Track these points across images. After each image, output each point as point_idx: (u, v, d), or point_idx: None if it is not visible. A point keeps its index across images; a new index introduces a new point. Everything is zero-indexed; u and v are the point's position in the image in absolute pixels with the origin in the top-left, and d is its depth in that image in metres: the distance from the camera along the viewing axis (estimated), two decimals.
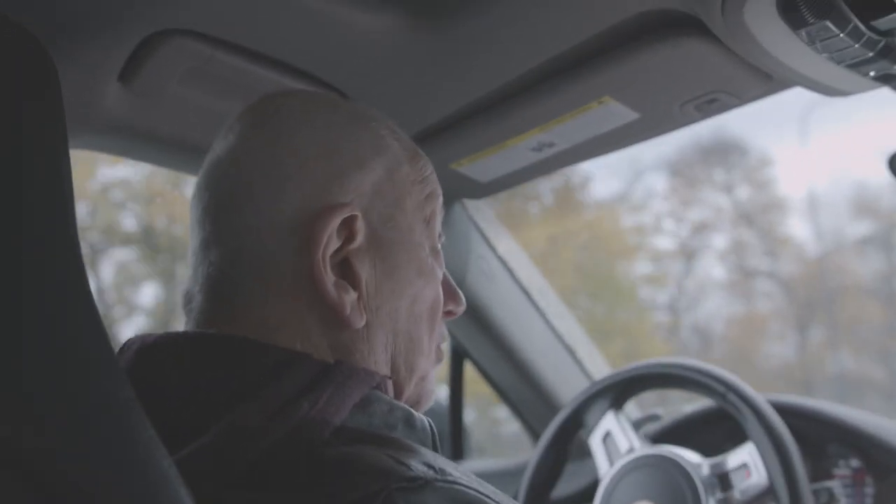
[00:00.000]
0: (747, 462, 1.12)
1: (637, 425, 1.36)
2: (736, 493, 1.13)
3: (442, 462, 0.60)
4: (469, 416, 1.87)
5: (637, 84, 1.02)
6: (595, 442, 1.33)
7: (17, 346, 0.50)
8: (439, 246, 0.80)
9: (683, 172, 7.75)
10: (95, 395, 0.52)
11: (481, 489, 0.60)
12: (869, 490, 1.38)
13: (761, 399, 1.17)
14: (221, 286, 0.71)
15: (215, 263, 0.71)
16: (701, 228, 8.09)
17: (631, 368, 1.34)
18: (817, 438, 1.13)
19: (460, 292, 0.83)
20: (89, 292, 0.54)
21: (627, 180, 8.45)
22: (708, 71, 0.97)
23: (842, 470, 1.42)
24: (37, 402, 0.50)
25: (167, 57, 0.97)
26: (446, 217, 1.47)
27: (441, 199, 0.80)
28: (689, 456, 1.20)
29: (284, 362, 0.64)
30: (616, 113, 1.08)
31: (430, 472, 0.58)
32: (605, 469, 1.28)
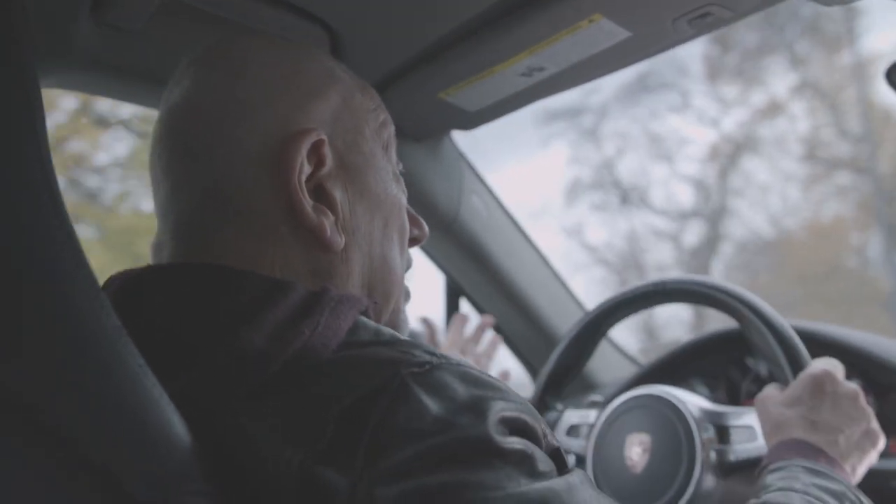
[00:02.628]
0: (753, 426, 1.11)
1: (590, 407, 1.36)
2: (731, 451, 1.12)
3: (441, 351, 0.63)
4: None
5: (628, 0, 0.99)
6: (561, 440, 1.32)
7: None
8: (399, 172, 0.83)
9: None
10: (79, 324, 0.52)
11: (485, 372, 0.63)
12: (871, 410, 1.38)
13: (771, 309, 1.16)
14: (194, 226, 0.72)
15: (186, 207, 0.72)
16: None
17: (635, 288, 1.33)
18: (816, 358, 1.13)
19: (421, 219, 0.86)
20: (70, 225, 0.53)
21: None
22: None
23: None
24: (19, 333, 0.50)
25: None
26: (436, 150, 1.45)
27: (393, 128, 0.83)
28: (678, 393, 1.20)
29: (273, 289, 0.65)
30: (607, 32, 1.05)
31: (435, 358, 0.61)
32: (582, 447, 1.27)
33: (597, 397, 1.45)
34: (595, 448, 1.23)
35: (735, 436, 1.13)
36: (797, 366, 1.09)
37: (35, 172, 0.52)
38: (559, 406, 1.37)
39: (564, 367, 1.37)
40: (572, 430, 1.32)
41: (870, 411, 1.01)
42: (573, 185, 8.14)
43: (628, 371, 1.76)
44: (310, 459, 0.55)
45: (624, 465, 1.18)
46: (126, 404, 0.53)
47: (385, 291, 0.78)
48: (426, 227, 0.87)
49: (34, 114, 0.53)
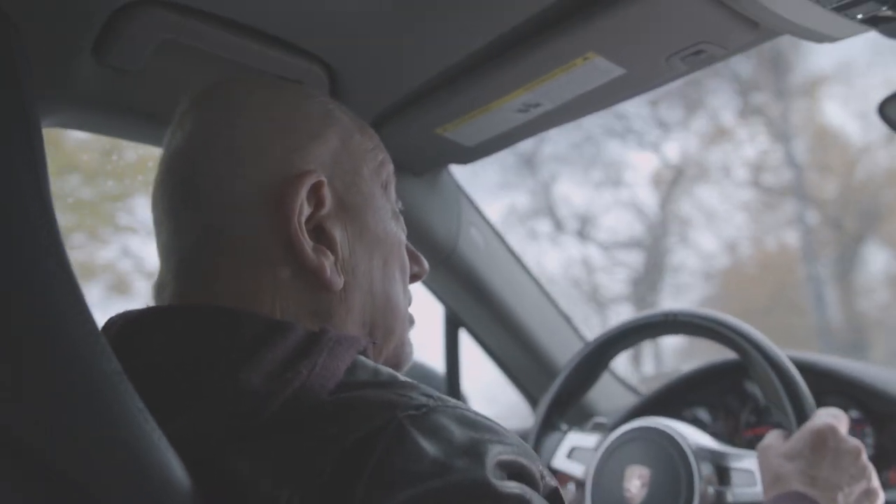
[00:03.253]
0: (754, 471, 1.11)
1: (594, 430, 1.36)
2: (730, 493, 1.12)
3: (437, 393, 0.64)
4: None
5: (622, 38, 1.00)
6: (561, 462, 1.32)
7: None
8: (398, 210, 0.84)
9: None
10: (81, 370, 0.52)
11: (481, 414, 0.63)
12: (868, 440, 1.38)
13: (774, 347, 1.16)
14: (196, 267, 0.73)
15: (188, 248, 0.73)
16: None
17: (632, 320, 1.33)
18: (815, 390, 1.13)
19: (421, 255, 0.87)
20: (69, 267, 0.54)
21: None
22: (693, 22, 0.96)
23: None
24: (21, 379, 0.50)
25: (141, 28, 0.95)
26: (434, 184, 1.46)
27: (392, 167, 0.84)
28: (679, 428, 1.20)
29: (272, 330, 0.66)
30: (602, 69, 1.06)
31: (431, 400, 0.62)
32: (582, 471, 1.27)
33: (601, 419, 1.45)
34: (595, 477, 1.23)
35: (735, 478, 1.13)
36: (801, 414, 1.09)
37: (35, 213, 0.52)
38: (564, 426, 1.37)
39: (569, 390, 1.37)
40: (573, 453, 1.32)
41: (871, 469, 1.01)
42: (508, 213, 8.02)
43: (628, 400, 1.76)
44: (306, 501, 0.55)
45: (622, 496, 1.18)
46: (125, 448, 0.53)
47: (387, 327, 0.79)
48: (426, 264, 0.88)
49: (35, 153, 0.53)
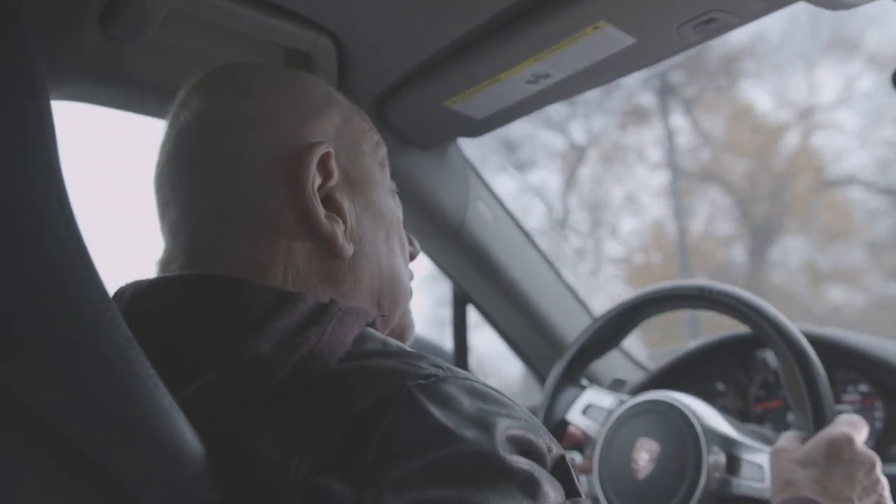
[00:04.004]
0: (764, 466, 1.11)
1: (612, 388, 1.36)
2: (737, 484, 1.12)
3: (447, 363, 0.64)
4: None
5: (632, 6, 0.99)
6: (576, 417, 1.32)
7: (3, 290, 0.49)
8: (394, 189, 0.86)
9: None
10: (91, 336, 0.52)
11: (490, 385, 0.63)
12: (879, 414, 1.38)
13: (804, 341, 1.14)
14: (208, 239, 0.74)
15: (199, 221, 0.74)
16: None
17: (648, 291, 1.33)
18: (825, 364, 1.12)
19: (412, 237, 0.89)
20: (80, 235, 0.54)
21: None
22: None
23: (850, 395, 1.42)
24: (31, 345, 0.50)
25: None
26: (443, 157, 1.45)
27: (385, 149, 0.87)
28: (693, 405, 1.19)
29: (283, 300, 0.66)
30: (612, 38, 1.05)
31: (441, 371, 0.62)
32: (594, 429, 1.27)
33: (621, 377, 1.43)
34: (605, 442, 1.23)
35: (744, 470, 1.12)
36: (821, 418, 1.08)
37: (46, 185, 0.52)
38: (584, 381, 1.37)
39: (595, 344, 1.37)
40: (588, 410, 1.31)
41: (884, 482, 1.01)
42: None
43: (636, 375, 1.76)
44: (315, 469, 0.55)
45: (629, 467, 1.18)
46: (137, 414, 0.53)
47: (393, 298, 0.81)
48: (418, 245, 0.90)
49: (45, 126, 0.53)
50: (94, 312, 0.53)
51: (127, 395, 0.53)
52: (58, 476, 0.50)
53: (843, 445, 1.00)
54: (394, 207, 0.84)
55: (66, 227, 0.53)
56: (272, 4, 1.02)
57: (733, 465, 1.13)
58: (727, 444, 1.14)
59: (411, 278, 0.87)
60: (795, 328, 1.15)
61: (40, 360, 0.50)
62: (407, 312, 0.85)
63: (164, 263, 0.76)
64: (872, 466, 1.00)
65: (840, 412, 1.09)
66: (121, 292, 0.72)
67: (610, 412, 1.26)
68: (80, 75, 1.03)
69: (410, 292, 0.86)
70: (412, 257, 0.89)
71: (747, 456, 1.13)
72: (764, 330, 1.17)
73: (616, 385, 1.36)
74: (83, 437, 0.51)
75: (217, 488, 0.56)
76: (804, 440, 1.06)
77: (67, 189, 0.54)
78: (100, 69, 1.04)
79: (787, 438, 1.08)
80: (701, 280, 1.29)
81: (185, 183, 0.76)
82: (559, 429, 1.33)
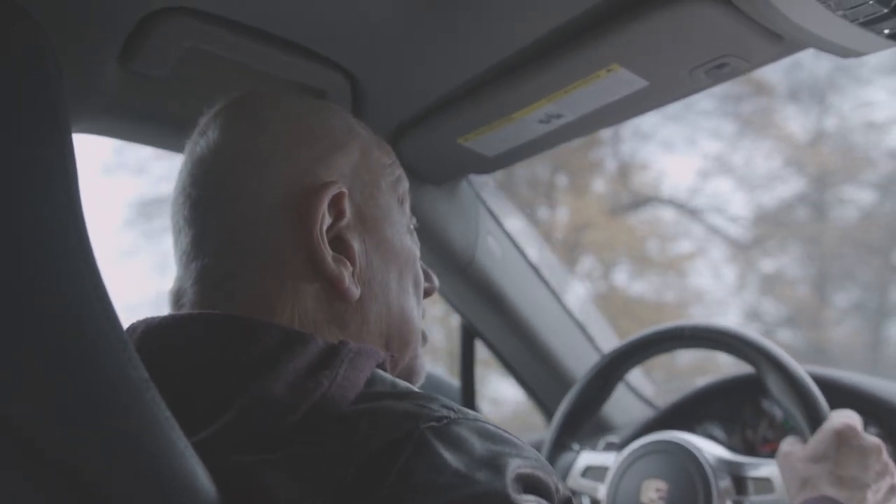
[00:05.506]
0: (771, 478, 1.11)
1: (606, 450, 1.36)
2: (748, 502, 1.12)
3: (457, 405, 0.64)
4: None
5: (645, 50, 1.00)
6: (576, 481, 1.32)
7: (23, 329, 0.50)
8: (413, 227, 0.85)
9: None
10: (108, 377, 0.52)
11: (500, 426, 0.64)
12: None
13: (788, 357, 1.16)
14: (216, 275, 0.73)
15: (209, 256, 0.74)
16: None
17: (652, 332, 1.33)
18: (831, 406, 1.12)
19: (431, 272, 0.89)
20: (98, 272, 0.54)
21: None
22: (717, 34, 0.95)
23: None
24: (47, 385, 0.50)
25: (167, 36, 0.96)
26: (454, 193, 1.46)
27: (407, 184, 0.86)
28: (695, 441, 1.20)
29: (293, 340, 0.66)
30: (625, 81, 1.06)
31: (452, 412, 0.62)
32: (598, 490, 1.27)
33: (613, 439, 1.44)
34: (610, 492, 1.23)
35: (753, 487, 1.12)
36: (816, 418, 1.09)
37: (65, 219, 0.53)
38: (575, 447, 1.37)
39: (580, 408, 1.37)
40: (588, 472, 1.31)
41: (893, 465, 1.01)
42: None
43: (643, 413, 1.76)
44: None
45: None
46: (152, 457, 0.53)
47: (403, 339, 0.80)
48: (436, 280, 0.89)
49: (66, 159, 0.53)
50: (112, 353, 0.53)
51: (143, 438, 0.53)
52: None
53: (848, 435, 1.01)
54: (410, 245, 0.83)
55: (85, 265, 0.53)
56: (288, 42, 1.03)
57: (741, 485, 1.14)
58: (732, 469, 1.15)
59: (423, 316, 0.86)
60: (777, 346, 1.17)
61: (58, 403, 0.50)
62: (417, 356, 0.84)
63: (175, 294, 0.76)
64: (881, 451, 1.01)
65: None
66: (131, 329, 0.72)
67: (611, 468, 1.26)
68: (99, 109, 1.05)
69: (423, 336, 0.85)
70: (428, 293, 0.88)
71: (753, 473, 1.14)
72: (747, 355, 1.19)
73: (609, 447, 1.36)
74: (96, 477, 0.51)
75: None
76: (805, 442, 1.07)
77: (87, 225, 0.54)
78: (119, 103, 1.05)
79: (789, 443, 1.09)
80: (676, 322, 1.30)
81: (196, 215, 0.76)
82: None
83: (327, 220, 0.74)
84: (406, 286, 0.81)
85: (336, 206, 0.75)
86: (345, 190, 0.75)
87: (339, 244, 0.75)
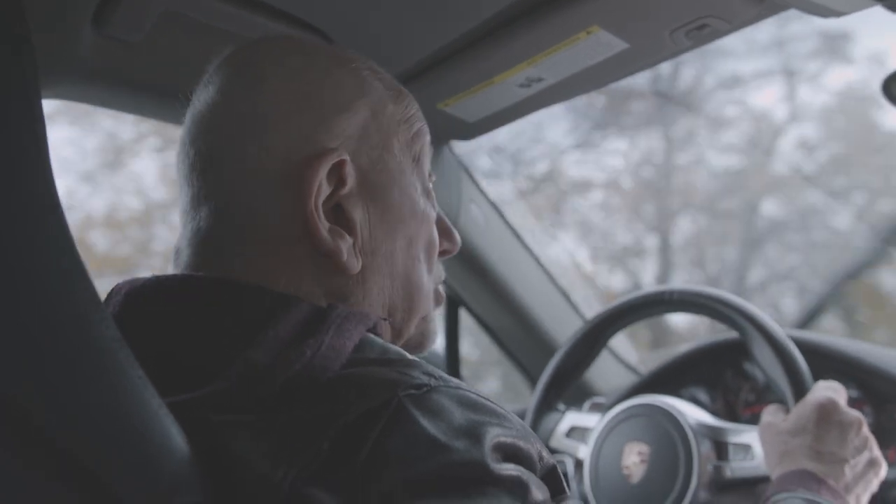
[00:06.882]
0: (752, 445, 1.12)
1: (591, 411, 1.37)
2: (728, 468, 1.13)
3: (440, 372, 0.63)
4: None
5: (625, 12, 0.99)
6: (560, 441, 1.33)
7: None
8: (430, 185, 0.80)
9: None
10: (79, 335, 0.52)
11: (482, 394, 0.62)
12: (868, 419, 1.38)
13: (773, 324, 1.17)
14: (210, 238, 0.71)
15: (205, 217, 0.71)
16: None
17: (634, 297, 1.34)
18: (815, 369, 1.13)
19: (454, 230, 0.84)
20: (69, 232, 0.54)
21: None
22: None
23: None
24: (13, 344, 0.50)
25: None
26: (435, 160, 1.45)
27: (428, 137, 0.81)
28: (678, 405, 1.21)
29: (277, 304, 0.64)
30: (605, 43, 1.06)
31: (433, 380, 0.61)
32: (581, 450, 1.28)
33: (599, 399, 1.45)
34: (593, 454, 1.23)
35: (733, 453, 1.14)
36: (800, 387, 1.10)
37: (36, 183, 0.52)
38: (561, 407, 1.38)
39: (566, 370, 1.38)
40: (572, 432, 1.33)
41: (872, 439, 1.02)
42: None
43: (627, 380, 1.77)
44: (302, 478, 0.54)
45: (621, 473, 1.18)
46: (124, 414, 0.52)
47: (409, 308, 0.77)
48: (458, 239, 0.85)
49: (37, 125, 0.53)
50: (83, 311, 0.52)
51: (114, 396, 0.52)
52: (34, 474, 0.50)
53: (829, 409, 1.02)
54: (424, 208, 0.78)
55: (56, 226, 0.53)
56: (265, 5, 1.01)
57: (722, 450, 1.15)
58: (714, 433, 1.16)
59: (439, 279, 0.82)
60: (762, 312, 1.18)
61: (27, 359, 0.50)
62: (429, 319, 0.80)
63: (175, 253, 0.74)
64: (861, 425, 1.01)
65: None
66: (115, 290, 0.70)
67: (594, 430, 1.27)
68: (73, 75, 1.03)
69: (437, 298, 0.82)
70: (449, 253, 0.84)
71: (734, 439, 1.15)
72: (732, 320, 1.20)
73: (595, 408, 1.37)
74: (65, 434, 0.50)
75: (201, 491, 0.56)
76: (787, 411, 1.08)
77: (56, 187, 0.54)
78: (93, 68, 1.04)
79: (770, 412, 1.09)
80: (660, 286, 1.31)
81: (191, 177, 0.73)
82: None
83: (326, 190, 0.69)
84: (415, 253, 0.77)
85: (337, 174, 0.70)
86: (346, 157, 0.71)
87: (339, 214, 0.71)
